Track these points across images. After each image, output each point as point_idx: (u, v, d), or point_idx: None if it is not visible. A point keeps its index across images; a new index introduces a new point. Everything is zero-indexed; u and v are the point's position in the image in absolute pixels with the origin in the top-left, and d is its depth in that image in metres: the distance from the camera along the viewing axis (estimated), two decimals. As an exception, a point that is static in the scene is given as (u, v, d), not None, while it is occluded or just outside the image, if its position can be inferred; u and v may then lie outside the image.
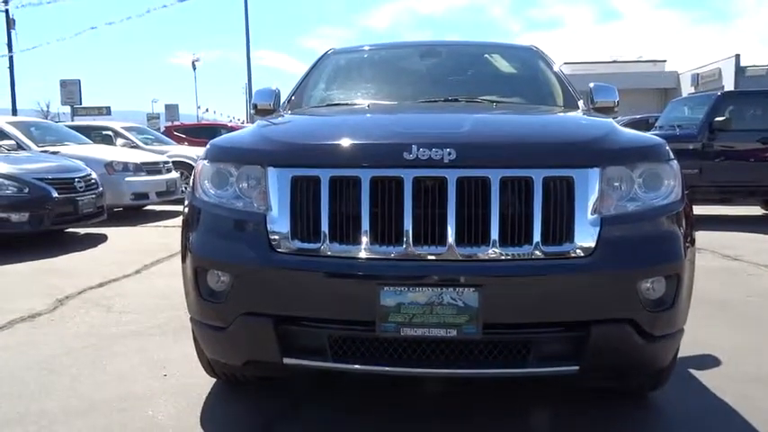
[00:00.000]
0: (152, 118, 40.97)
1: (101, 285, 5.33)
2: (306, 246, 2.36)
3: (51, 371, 3.34)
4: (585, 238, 2.27)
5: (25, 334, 4.01)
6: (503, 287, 2.24)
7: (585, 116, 3.19)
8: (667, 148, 2.59)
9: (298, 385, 3.07)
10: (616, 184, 2.38)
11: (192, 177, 2.72)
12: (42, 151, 9.52)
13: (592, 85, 3.85)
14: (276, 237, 2.39)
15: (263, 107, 3.89)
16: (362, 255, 2.31)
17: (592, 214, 2.29)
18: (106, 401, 2.97)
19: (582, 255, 2.26)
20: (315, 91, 4.06)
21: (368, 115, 3.19)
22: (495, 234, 2.25)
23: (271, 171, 2.43)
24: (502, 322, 2.25)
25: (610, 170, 2.37)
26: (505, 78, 4.15)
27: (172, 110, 41.15)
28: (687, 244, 2.44)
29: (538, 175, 2.26)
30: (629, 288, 2.22)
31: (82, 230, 8.39)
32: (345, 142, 2.46)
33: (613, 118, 3.29)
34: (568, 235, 2.27)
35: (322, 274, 2.31)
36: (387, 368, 2.32)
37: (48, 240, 7.49)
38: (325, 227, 2.33)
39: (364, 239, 2.30)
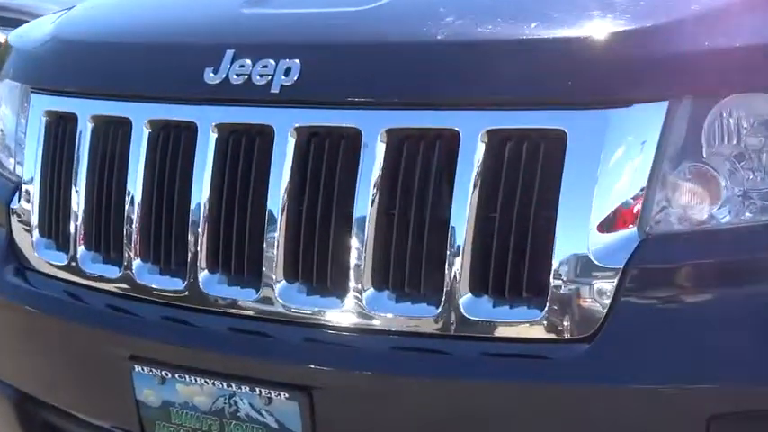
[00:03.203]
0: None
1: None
2: (52, 256, 2.33)
3: None
4: (578, 290, 1.80)
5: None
6: (355, 398, 1.94)
7: None
8: None
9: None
10: (753, 149, 1.82)
11: None
12: None
13: None
14: (19, 233, 2.42)
15: None
16: (118, 285, 2.19)
17: (609, 229, 1.79)
18: None
19: (564, 336, 1.81)
20: None
21: None
22: (360, 265, 1.91)
23: (33, 99, 2.44)
24: None
25: (720, 107, 1.81)
26: None
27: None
28: None
29: (472, 127, 1.85)
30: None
31: None
32: (124, 44, 2.39)
33: None
34: (533, 279, 1.83)
35: (57, 319, 2.28)
36: None
37: None
38: (76, 219, 2.26)
39: (127, 253, 2.16)
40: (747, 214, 1.79)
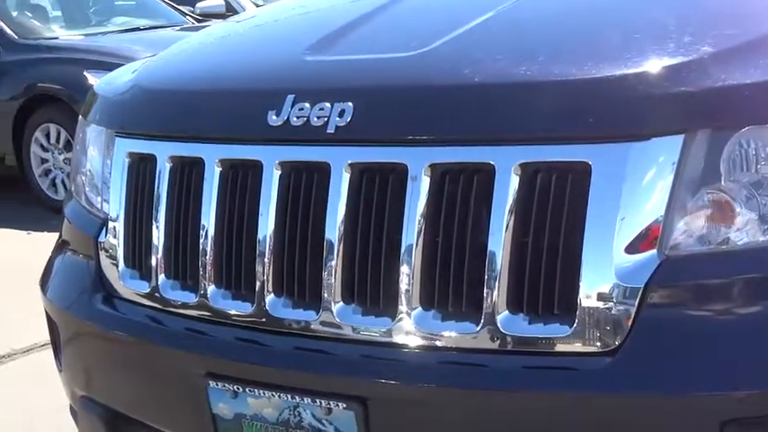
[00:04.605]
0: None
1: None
2: (136, 285, 2.50)
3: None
4: (603, 307, 1.91)
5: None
6: (405, 407, 2.07)
7: None
8: None
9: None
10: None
11: None
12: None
13: None
14: (106, 264, 2.59)
15: None
16: (195, 309, 2.35)
17: (631, 251, 1.90)
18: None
19: (591, 350, 1.93)
20: None
21: (272, 30, 3.13)
22: (409, 287, 2.05)
23: (117, 142, 2.62)
24: None
25: (737, 138, 1.91)
26: None
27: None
28: None
29: (506, 160, 1.98)
30: None
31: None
32: (197, 91, 2.56)
33: None
34: (563, 298, 1.94)
35: (141, 342, 2.45)
36: None
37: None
38: (157, 251, 2.42)
39: (202, 280, 2.32)
40: (763, 237, 1.88)
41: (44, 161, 8.68)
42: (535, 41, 2.33)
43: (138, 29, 9.82)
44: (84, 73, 8.33)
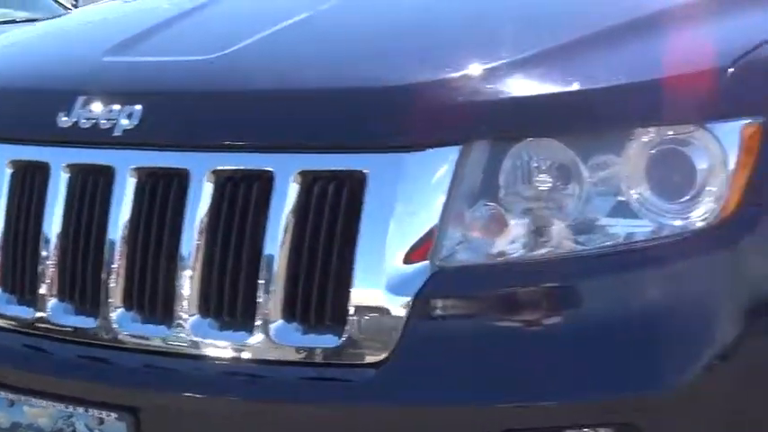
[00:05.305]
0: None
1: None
2: None
3: None
4: (372, 318, 1.93)
5: None
6: (177, 418, 2.05)
7: None
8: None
9: None
10: (546, 189, 1.94)
11: None
12: None
13: None
14: None
15: None
16: None
17: (402, 262, 1.91)
18: None
19: (359, 361, 1.94)
20: None
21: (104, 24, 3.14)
22: (186, 294, 2.04)
23: None
24: None
25: (516, 150, 1.94)
26: None
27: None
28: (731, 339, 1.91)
29: (285, 168, 1.99)
30: None
31: None
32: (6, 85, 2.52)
33: None
34: (335, 308, 1.95)
35: None
36: None
37: None
38: None
39: None
40: (540, 250, 1.89)
41: None
42: (326, 49, 2.35)
43: (14, 21, 9.62)
44: None
